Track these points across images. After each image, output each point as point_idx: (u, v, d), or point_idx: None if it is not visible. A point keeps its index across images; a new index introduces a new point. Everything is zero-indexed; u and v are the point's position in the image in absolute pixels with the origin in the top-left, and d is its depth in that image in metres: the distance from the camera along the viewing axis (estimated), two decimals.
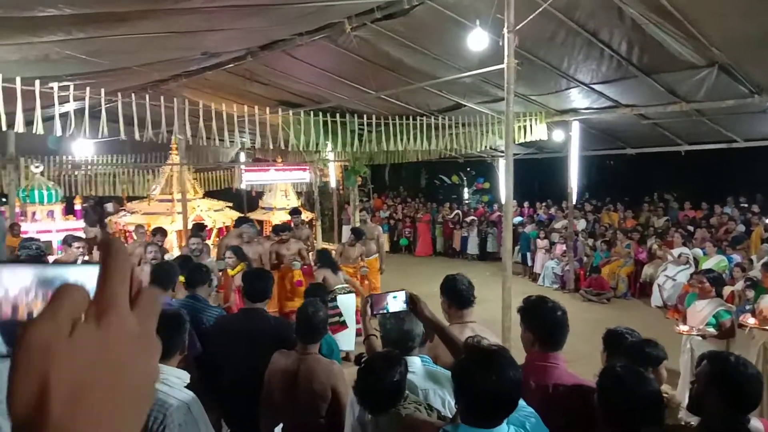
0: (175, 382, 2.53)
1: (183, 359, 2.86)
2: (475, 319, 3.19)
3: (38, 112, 6.15)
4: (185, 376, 2.59)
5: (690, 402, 2.34)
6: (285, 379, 3.13)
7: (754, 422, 2.56)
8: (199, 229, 8.04)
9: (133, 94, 7.03)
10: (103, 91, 6.70)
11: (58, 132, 7.17)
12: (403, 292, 2.87)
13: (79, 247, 6.75)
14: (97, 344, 0.45)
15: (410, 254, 16.36)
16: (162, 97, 7.29)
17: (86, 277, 0.53)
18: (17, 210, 10.16)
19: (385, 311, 2.72)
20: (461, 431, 1.91)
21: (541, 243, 13.07)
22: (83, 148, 12.90)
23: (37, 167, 10.22)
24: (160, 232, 7.60)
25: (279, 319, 4.03)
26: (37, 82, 6.07)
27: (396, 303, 2.72)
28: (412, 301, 2.59)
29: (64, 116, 6.79)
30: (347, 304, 6.81)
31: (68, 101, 6.75)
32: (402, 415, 2.21)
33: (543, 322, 2.58)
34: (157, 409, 2.20)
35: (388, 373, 2.25)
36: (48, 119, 7.09)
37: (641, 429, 1.81)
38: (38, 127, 6.35)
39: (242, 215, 9.00)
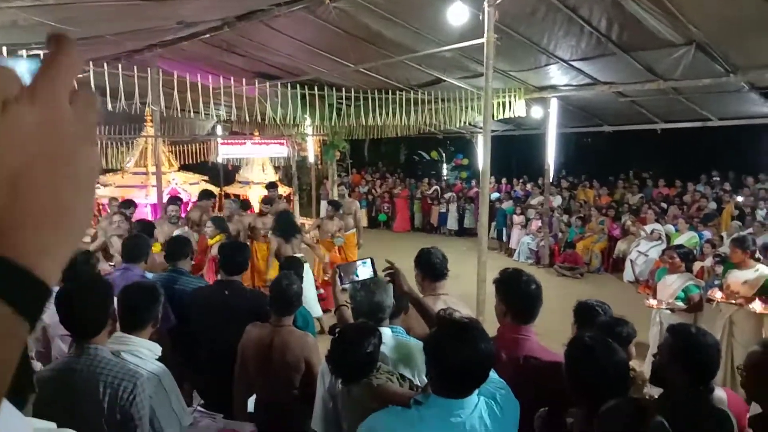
0: (146, 354, 2.52)
1: (156, 331, 2.85)
2: (448, 292, 3.22)
3: None
4: (157, 349, 2.58)
5: (652, 374, 2.39)
6: (259, 351, 3.14)
7: (718, 392, 2.64)
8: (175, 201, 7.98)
9: (105, 64, 6.85)
10: None
11: None
12: (370, 259, 2.92)
13: None
14: (32, 123, 0.41)
15: (388, 230, 16.40)
16: (135, 68, 7.12)
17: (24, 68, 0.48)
18: None
19: (356, 278, 2.76)
20: (431, 401, 1.93)
21: (517, 219, 13.21)
22: None
23: None
24: (132, 204, 7.47)
25: (255, 291, 4.04)
26: (4, 49, 5.88)
27: (365, 270, 2.77)
28: (391, 272, 2.60)
29: None
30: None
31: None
32: (374, 385, 2.23)
33: (517, 295, 2.61)
34: (128, 379, 2.19)
35: (362, 343, 2.27)
36: None
37: (606, 399, 1.84)
38: None
39: (205, 189, 8.90)
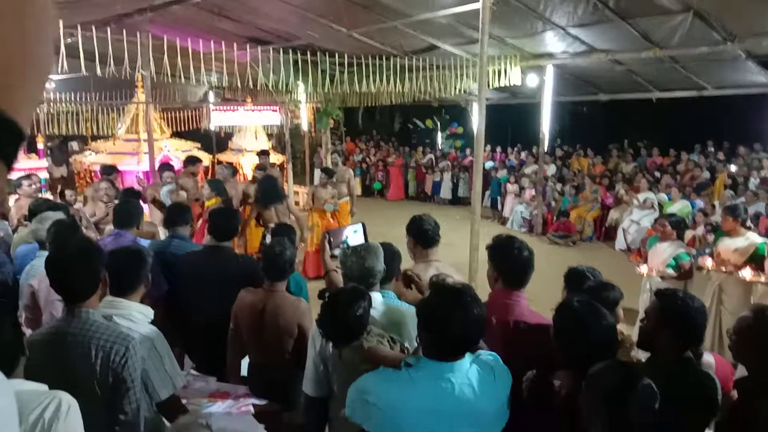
0: (138, 318, 2.53)
1: (148, 296, 2.85)
2: (439, 259, 3.23)
3: None
4: (149, 312, 2.59)
5: (639, 338, 2.42)
6: (252, 316, 3.16)
7: (706, 356, 2.68)
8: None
9: (94, 28, 6.69)
10: (61, 23, 6.36)
11: None
12: (362, 225, 2.93)
13: (30, 185, 6.54)
14: None
15: (383, 198, 16.39)
16: (125, 32, 6.97)
17: None
18: None
19: (344, 245, 2.75)
20: (422, 364, 1.95)
21: (511, 188, 13.21)
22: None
23: None
24: (114, 169, 7.38)
25: (245, 257, 4.04)
26: None
27: (356, 237, 2.76)
28: (407, 280, 2.56)
29: None
30: None
31: None
32: (365, 347, 2.25)
33: (509, 261, 2.61)
34: (120, 342, 2.19)
35: (352, 306, 2.28)
36: None
37: (593, 363, 1.86)
38: None
39: (191, 155, 8.83)
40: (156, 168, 8.41)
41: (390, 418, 1.93)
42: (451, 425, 1.88)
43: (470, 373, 1.93)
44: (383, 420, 1.95)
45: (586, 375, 1.84)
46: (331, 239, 2.75)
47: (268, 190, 7.09)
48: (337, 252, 2.85)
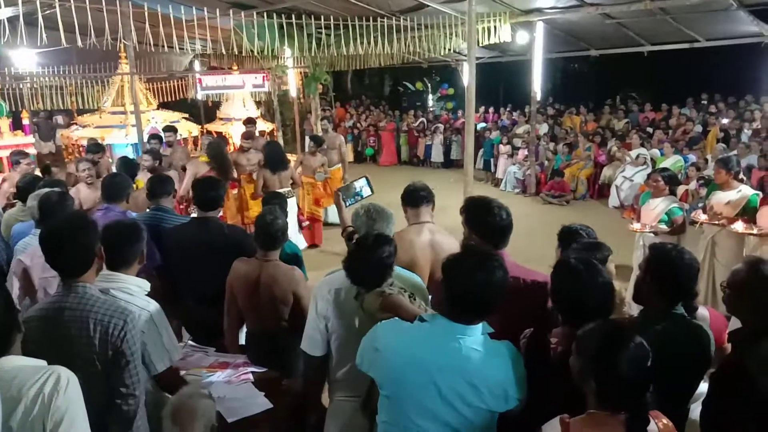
0: (135, 291, 2.53)
1: (143, 270, 2.84)
2: (430, 220, 3.21)
3: None
4: (146, 285, 2.59)
5: (634, 292, 2.44)
6: (247, 285, 3.17)
7: (701, 310, 2.71)
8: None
9: None
10: None
11: None
12: (365, 177, 3.07)
13: (29, 164, 6.47)
14: None
15: (375, 164, 16.31)
16: (104, 1, 6.77)
17: None
18: None
19: (359, 197, 2.94)
20: (438, 321, 1.98)
21: (504, 148, 13.16)
22: (26, 59, 12.10)
23: None
24: (100, 147, 7.24)
25: (233, 227, 4.01)
26: None
27: (365, 189, 3.01)
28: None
29: None
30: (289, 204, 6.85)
31: None
32: (386, 294, 2.28)
33: (484, 225, 2.58)
34: (118, 316, 2.19)
35: (381, 247, 2.34)
36: None
37: (590, 320, 1.87)
38: None
39: (168, 124, 8.80)
40: (145, 140, 8.32)
41: (395, 366, 1.97)
42: (453, 383, 1.90)
43: (481, 341, 1.95)
44: (388, 368, 2.00)
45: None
46: (344, 197, 2.83)
47: (275, 155, 7.11)
48: (350, 203, 2.98)
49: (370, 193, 3.00)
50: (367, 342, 2.09)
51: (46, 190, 3.62)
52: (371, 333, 2.09)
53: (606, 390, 1.71)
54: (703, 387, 2.30)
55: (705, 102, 14.17)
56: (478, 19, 8.58)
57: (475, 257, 2.01)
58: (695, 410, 2.32)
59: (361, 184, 3.01)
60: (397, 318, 2.12)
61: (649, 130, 12.56)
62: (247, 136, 8.09)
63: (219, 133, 8.98)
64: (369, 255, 2.32)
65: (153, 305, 2.51)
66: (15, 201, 5.02)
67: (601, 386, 1.71)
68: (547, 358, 2.07)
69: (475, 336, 1.94)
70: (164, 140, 8.18)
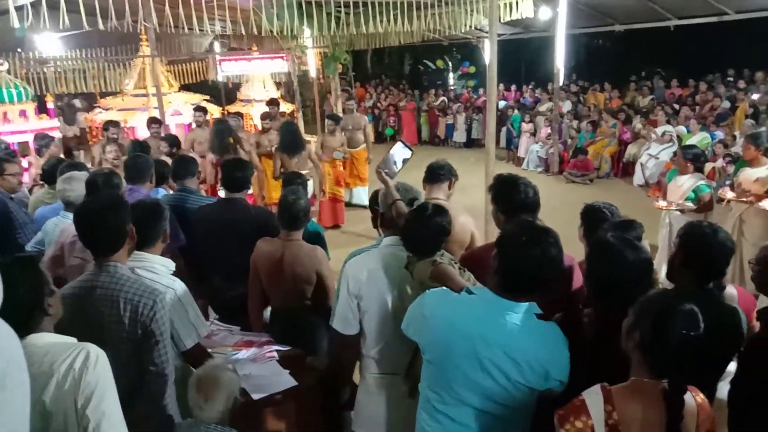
0: (161, 270, 2.56)
1: (168, 250, 2.88)
2: (442, 197, 3.20)
3: None
4: (171, 264, 2.62)
5: (668, 270, 2.40)
6: (270, 265, 3.19)
7: (729, 288, 2.65)
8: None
9: None
10: None
11: (15, 24, 6.73)
12: (400, 142, 3.09)
13: (57, 147, 6.57)
14: None
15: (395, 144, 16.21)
16: None
17: None
18: None
19: (400, 165, 2.93)
20: (485, 294, 1.98)
21: (526, 127, 12.99)
22: (49, 44, 12.24)
23: (1, 64, 9.72)
24: (113, 125, 7.25)
25: (259, 208, 4.05)
26: None
27: (401, 152, 2.96)
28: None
29: (20, 9, 6.33)
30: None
31: None
32: (437, 262, 2.31)
33: (510, 202, 2.56)
34: (147, 296, 2.21)
35: (438, 215, 2.39)
36: (2, 13, 6.61)
37: (630, 297, 1.83)
38: None
39: (199, 105, 8.82)
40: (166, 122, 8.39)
41: (440, 334, 1.98)
42: (495, 357, 1.90)
43: (527, 319, 1.92)
44: (433, 335, 2.02)
45: (633, 304, 1.79)
46: (386, 170, 2.81)
47: (289, 136, 7.04)
48: (399, 168, 2.95)
49: (411, 152, 3.01)
50: (415, 308, 2.11)
51: (76, 173, 3.67)
52: (420, 300, 2.11)
53: (655, 351, 1.68)
54: (732, 367, 2.27)
55: (733, 79, 13.77)
56: None
57: (529, 231, 1.97)
58: (722, 389, 2.30)
59: (397, 149, 2.97)
60: (445, 287, 2.13)
61: (676, 106, 12.28)
62: (266, 116, 8.09)
63: (240, 114, 8.95)
64: (428, 221, 2.36)
65: (178, 283, 2.55)
66: (42, 183, 5.11)
67: (651, 348, 1.69)
68: (581, 337, 2.05)
69: (521, 312, 1.93)
70: (194, 120, 8.21)
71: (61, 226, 3.36)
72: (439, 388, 2.03)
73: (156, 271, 2.53)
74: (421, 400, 2.13)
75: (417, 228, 2.38)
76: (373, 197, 2.98)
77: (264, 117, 8.02)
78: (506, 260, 1.94)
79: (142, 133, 9.65)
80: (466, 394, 1.96)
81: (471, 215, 3.31)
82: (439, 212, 2.40)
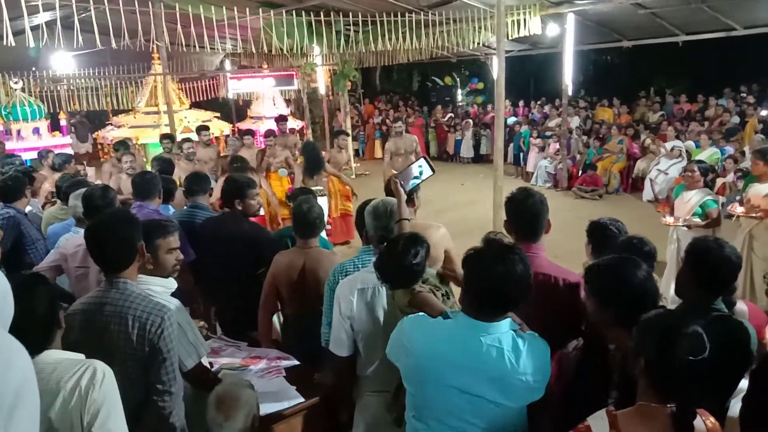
0: (158, 291, 2.47)
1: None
2: (414, 218, 3.12)
3: (6, 23, 5.84)
4: (171, 284, 2.58)
5: (675, 286, 2.38)
6: (291, 273, 3.21)
7: (739, 304, 2.63)
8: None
9: (106, 0, 6.67)
10: None
11: (31, 44, 6.87)
12: (423, 158, 2.92)
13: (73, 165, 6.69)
14: None
15: None
16: (136, 2, 6.93)
17: None
18: (0, 128, 9.95)
19: (418, 181, 2.80)
20: (460, 318, 1.96)
21: (534, 142, 12.99)
22: (63, 62, 12.45)
23: (16, 83, 9.90)
24: (123, 145, 7.37)
25: (252, 222, 4.09)
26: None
27: (425, 168, 2.79)
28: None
29: (35, 29, 6.48)
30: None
31: (38, 12, 6.41)
32: (415, 291, 2.28)
33: (518, 213, 2.57)
34: (156, 313, 2.19)
35: (409, 252, 2.29)
36: (19, 33, 6.76)
37: (636, 317, 1.81)
38: (9, 39, 6.06)
39: (202, 124, 8.93)
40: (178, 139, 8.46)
41: (416, 361, 1.97)
42: (473, 382, 1.88)
43: (504, 338, 1.90)
44: (410, 362, 2.01)
45: (635, 324, 1.78)
46: (402, 182, 2.70)
47: (315, 157, 7.20)
48: (412, 185, 2.80)
49: (431, 173, 2.82)
50: (396, 334, 2.10)
51: (87, 188, 3.72)
52: (399, 327, 2.10)
53: (661, 376, 1.65)
54: (744, 383, 2.24)
55: (745, 94, 13.71)
56: (508, 12, 8.49)
57: (494, 250, 1.94)
58: (734, 406, 2.26)
59: (420, 164, 2.83)
60: (422, 313, 2.12)
61: (684, 122, 12.24)
62: (269, 134, 8.08)
63: (250, 131, 9.01)
64: (400, 258, 2.29)
65: (174, 304, 2.46)
66: (54, 200, 5.18)
67: (656, 372, 1.65)
68: (608, 366, 2.01)
69: (497, 333, 1.90)
70: (199, 139, 8.29)
71: (71, 241, 3.40)
72: (425, 418, 2.01)
73: (152, 292, 2.41)
74: (408, 431, 2.10)
75: (390, 269, 2.32)
76: (359, 212, 2.92)
77: (267, 135, 8.04)
78: (473, 280, 1.93)
79: (153, 149, 9.76)
80: (452, 421, 1.94)
81: (443, 227, 3.21)
82: (412, 246, 2.31)
